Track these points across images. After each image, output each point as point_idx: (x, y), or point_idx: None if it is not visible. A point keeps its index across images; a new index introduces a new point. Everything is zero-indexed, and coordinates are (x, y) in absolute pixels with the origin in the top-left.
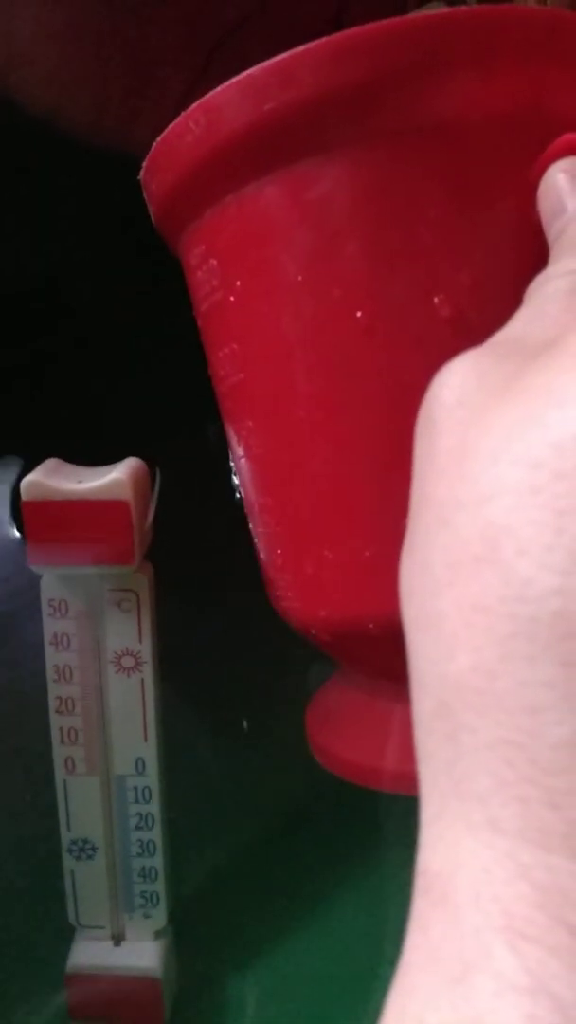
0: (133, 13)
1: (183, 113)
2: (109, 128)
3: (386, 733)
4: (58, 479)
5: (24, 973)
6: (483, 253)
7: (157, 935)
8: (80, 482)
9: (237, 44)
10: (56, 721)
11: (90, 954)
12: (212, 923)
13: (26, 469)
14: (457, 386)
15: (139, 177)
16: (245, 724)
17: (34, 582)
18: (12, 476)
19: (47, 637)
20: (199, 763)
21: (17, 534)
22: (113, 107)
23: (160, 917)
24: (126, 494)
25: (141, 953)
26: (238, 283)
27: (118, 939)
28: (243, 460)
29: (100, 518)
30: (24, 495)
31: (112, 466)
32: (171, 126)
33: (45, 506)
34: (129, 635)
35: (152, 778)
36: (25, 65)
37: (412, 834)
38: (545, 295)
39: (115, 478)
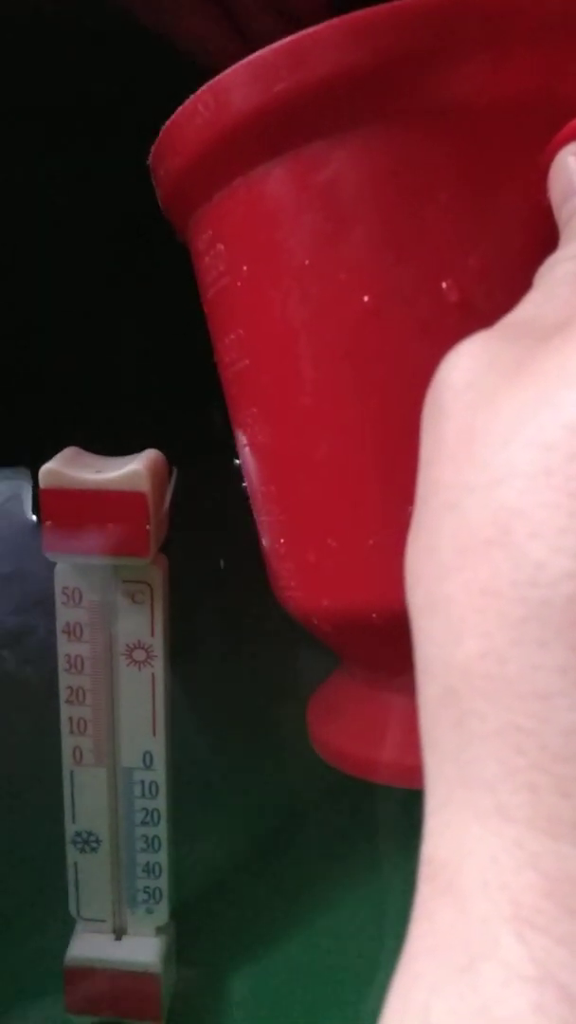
0: None
1: (192, 96)
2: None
3: (387, 727)
4: (76, 468)
5: (22, 963)
6: (492, 237)
7: (159, 931)
8: (99, 472)
9: None
10: (66, 711)
11: (90, 947)
12: (212, 920)
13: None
14: (467, 368)
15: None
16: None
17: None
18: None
19: (59, 626)
20: (201, 758)
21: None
22: None
23: (162, 913)
24: (144, 486)
25: (142, 948)
26: (245, 268)
27: (119, 933)
28: (247, 448)
29: (117, 509)
30: (42, 483)
31: (131, 457)
32: (179, 109)
33: (63, 494)
34: (142, 628)
35: (159, 773)
36: None
37: (414, 828)
38: (555, 278)
39: (134, 469)
